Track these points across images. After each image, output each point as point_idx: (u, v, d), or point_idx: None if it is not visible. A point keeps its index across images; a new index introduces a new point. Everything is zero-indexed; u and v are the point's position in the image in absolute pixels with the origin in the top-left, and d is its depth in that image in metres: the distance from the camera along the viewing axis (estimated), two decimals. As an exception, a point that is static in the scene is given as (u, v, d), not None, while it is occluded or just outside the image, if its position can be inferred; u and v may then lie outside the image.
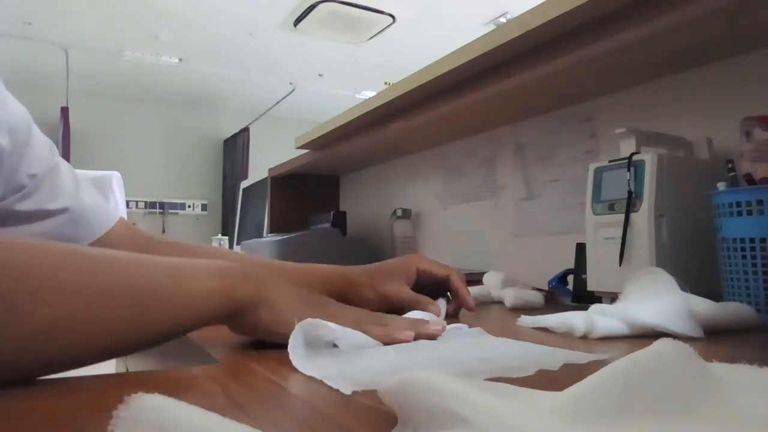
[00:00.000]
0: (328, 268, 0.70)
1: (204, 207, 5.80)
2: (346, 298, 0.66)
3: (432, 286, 0.70)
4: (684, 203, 0.71)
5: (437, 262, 0.72)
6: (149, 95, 5.42)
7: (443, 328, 0.50)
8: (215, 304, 0.40)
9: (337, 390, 0.31)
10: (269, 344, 0.44)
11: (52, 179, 0.61)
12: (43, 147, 0.61)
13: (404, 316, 0.56)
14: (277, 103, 5.45)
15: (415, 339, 0.47)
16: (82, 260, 0.35)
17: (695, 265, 0.70)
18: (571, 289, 0.88)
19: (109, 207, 0.70)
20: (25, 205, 0.58)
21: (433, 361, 0.41)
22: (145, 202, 5.45)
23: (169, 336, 0.38)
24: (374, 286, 0.68)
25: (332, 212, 1.71)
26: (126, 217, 0.78)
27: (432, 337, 0.48)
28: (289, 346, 0.38)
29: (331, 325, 0.41)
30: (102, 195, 1.75)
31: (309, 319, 0.40)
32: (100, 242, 0.64)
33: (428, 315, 0.59)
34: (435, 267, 0.71)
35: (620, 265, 0.70)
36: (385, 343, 0.45)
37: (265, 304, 0.43)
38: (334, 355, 0.41)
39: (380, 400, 0.26)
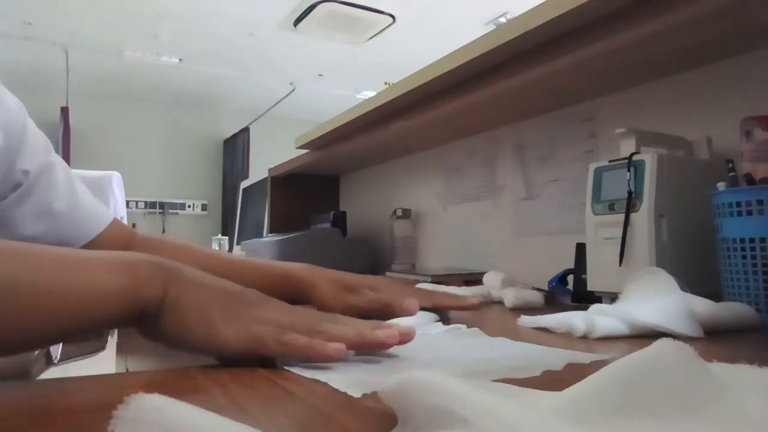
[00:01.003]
0: (281, 266, 0.65)
1: (204, 207, 5.80)
2: (302, 300, 0.62)
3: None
4: (684, 203, 0.71)
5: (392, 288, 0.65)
6: (149, 95, 5.42)
7: (403, 336, 0.40)
8: (117, 305, 0.35)
9: (336, 390, 0.31)
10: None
11: (47, 179, 0.60)
12: (37, 143, 0.60)
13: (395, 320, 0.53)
14: (277, 103, 5.45)
15: (357, 349, 0.40)
16: None
17: (695, 265, 0.70)
18: (571, 289, 0.88)
19: (104, 207, 0.70)
20: (21, 208, 0.58)
21: (435, 362, 0.40)
22: (145, 202, 5.45)
23: (62, 337, 0.35)
24: (330, 277, 0.63)
25: (332, 212, 1.71)
26: (126, 218, 0.78)
27: (384, 346, 0.40)
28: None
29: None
30: (102, 195, 1.75)
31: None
32: (93, 244, 0.64)
33: (425, 317, 0.58)
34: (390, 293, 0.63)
35: (620, 265, 0.70)
36: (362, 347, 0.39)
37: (171, 307, 0.37)
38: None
39: (380, 400, 0.26)
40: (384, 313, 0.58)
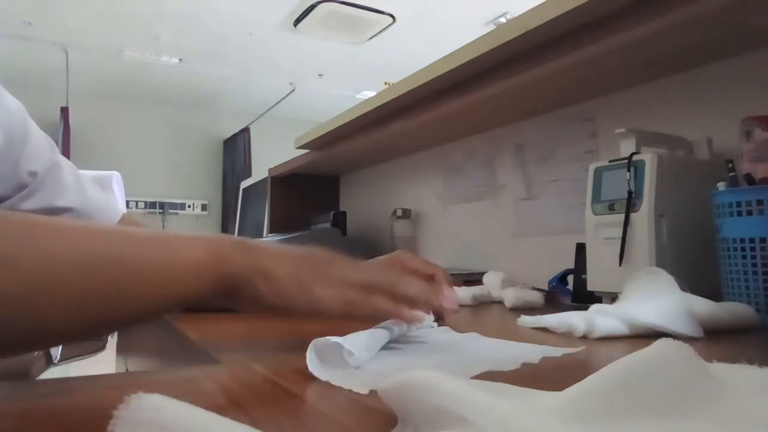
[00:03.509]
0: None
1: (204, 207, 5.80)
2: None
3: None
4: (684, 203, 0.71)
5: (424, 259, 0.70)
6: (149, 95, 5.42)
7: (456, 304, 0.49)
8: (203, 279, 0.37)
9: (338, 389, 0.31)
10: (268, 346, 0.43)
11: (54, 177, 0.61)
12: (42, 144, 0.61)
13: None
14: (277, 103, 5.45)
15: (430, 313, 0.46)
16: (43, 231, 0.32)
17: (695, 265, 0.70)
18: (571, 289, 0.88)
19: (113, 203, 0.70)
20: (29, 204, 0.58)
21: (413, 358, 0.41)
22: (145, 202, 5.45)
23: (154, 312, 0.36)
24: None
25: (332, 212, 1.71)
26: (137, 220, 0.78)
27: (450, 311, 0.48)
28: (307, 359, 0.36)
29: (340, 341, 0.37)
30: (102, 195, 1.75)
31: (320, 339, 0.37)
32: None
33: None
34: (421, 264, 0.68)
35: (620, 265, 0.70)
36: (429, 309, 0.45)
37: (263, 276, 0.39)
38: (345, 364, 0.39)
39: (380, 399, 0.26)
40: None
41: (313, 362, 0.35)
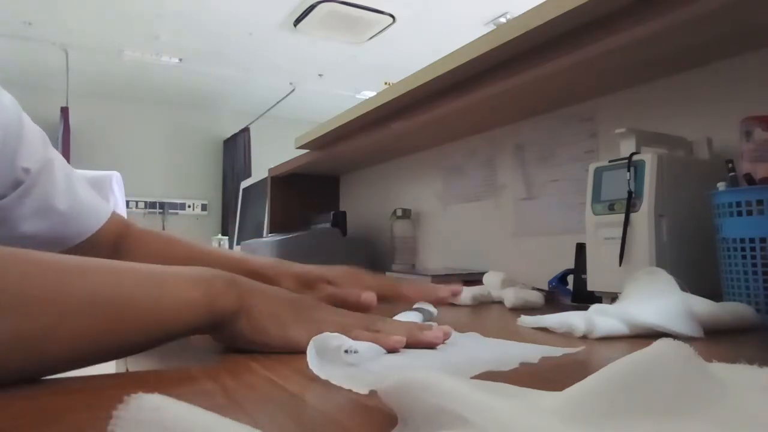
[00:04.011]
0: (251, 261, 0.68)
1: (204, 207, 5.81)
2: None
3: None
4: (684, 203, 0.71)
5: (381, 277, 0.69)
6: (149, 95, 5.43)
7: (445, 335, 0.45)
8: (196, 316, 0.39)
9: (338, 389, 0.31)
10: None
11: (47, 177, 0.60)
12: (36, 139, 0.60)
13: (395, 317, 0.54)
14: (277, 103, 5.45)
15: (409, 346, 0.43)
16: (52, 271, 0.33)
17: (695, 265, 0.70)
18: (571, 289, 0.88)
19: (102, 201, 0.70)
20: (22, 206, 0.58)
21: (412, 359, 0.41)
22: (145, 202, 5.46)
23: (147, 347, 0.38)
24: (292, 272, 0.65)
25: (332, 212, 1.71)
26: (126, 218, 0.78)
27: (431, 345, 0.44)
28: (307, 357, 0.36)
29: (344, 338, 0.39)
30: (102, 195, 1.75)
31: (324, 334, 0.38)
32: (92, 238, 0.64)
33: (416, 316, 0.58)
34: (378, 283, 0.68)
35: (620, 265, 0.70)
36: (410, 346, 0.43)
37: (245, 314, 0.41)
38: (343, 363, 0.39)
39: (380, 399, 0.26)
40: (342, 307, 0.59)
41: (313, 359, 0.35)
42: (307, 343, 0.38)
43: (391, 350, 0.41)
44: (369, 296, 0.60)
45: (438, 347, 0.45)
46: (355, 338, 0.40)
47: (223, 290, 0.40)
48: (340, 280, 0.66)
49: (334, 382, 0.32)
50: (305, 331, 0.41)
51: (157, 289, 0.37)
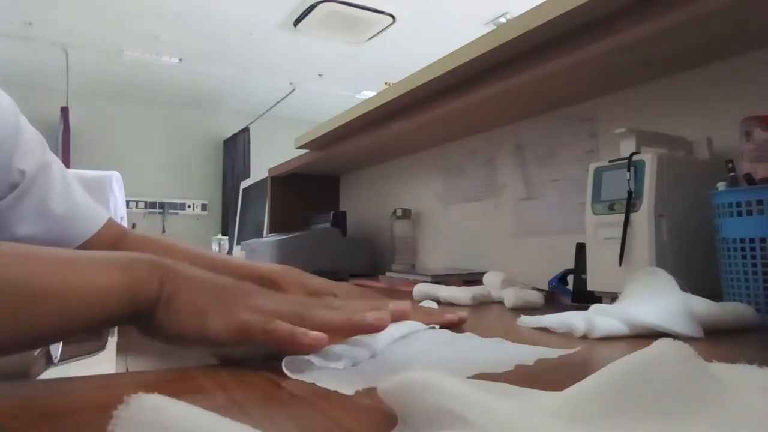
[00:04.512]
0: (257, 267, 0.66)
1: (204, 207, 5.80)
2: None
3: None
4: (684, 203, 0.71)
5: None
6: (149, 95, 5.42)
7: (397, 313, 0.41)
8: (116, 304, 0.35)
9: (333, 390, 0.31)
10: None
11: (43, 180, 0.60)
12: (33, 142, 0.60)
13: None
14: (277, 103, 5.45)
15: (350, 333, 0.39)
16: None
17: (695, 265, 0.70)
18: (571, 289, 0.88)
19: (98, 206, 0.70)
20: (18, 209, 0.58)
21: (408, 360, 0.41)
22: (145, 202, 5.45)
23: (62, 336, 0.35)
24: (301, 281, 0.63)
25: (332, 212, 1.71)
26: (126, 218, 0.78)
27: (373, 329, 0.38)
28: (284, 370, 0.35)
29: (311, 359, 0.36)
30: (102, 195, 1.75)
31: (290, 358, 0.36)
32: (87, 243, 0.64)
33: (413, 325, 0.55)
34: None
35: (620, 265, 0.70)
36: (351, 331, 0.39)
37: (166, 302, 0.37)
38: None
39: (380, 400, 0.26)
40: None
41: (291, 371, 0.35)
42: (227, 335, 0.36)
43: (308, 349, 0.36)
44: (379, 317, 0.58)
45: (432, 348, 0.44)
46: (272, 329, 0.36)
47: (146, 275, 0.36)
48: (349, 296, 0.64)
49: (320, 384, 0.32)
50: (223, 322, 0.37)
51: (68, 274, 0.34)
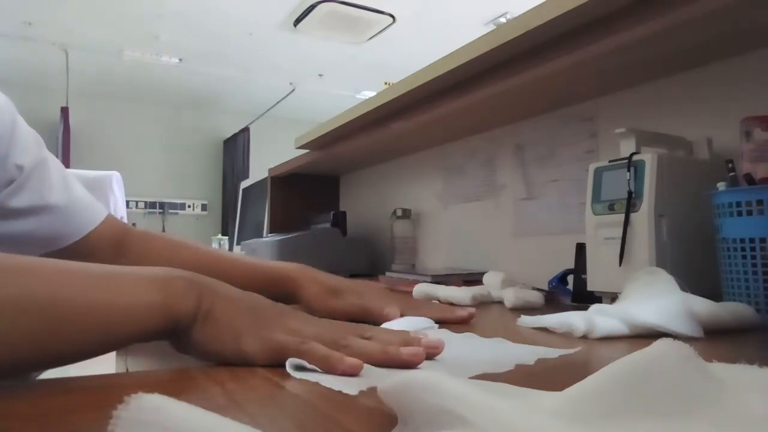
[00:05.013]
0: (271, 265, 0.66)
1: (204, 207, 5.81)
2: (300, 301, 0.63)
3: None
4: (684, 203, 0.71)
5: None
6: (149, 95, 5.43)
7: (428, 349, 0.40)
8: (152, 320, 0.36)
9: (338, 390, 0.31)
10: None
11: (40, 174, 0.60)
12: (29, 139, 0.60)
13: (383, 325, 0.52)
14: (277, 103, 5.45)
15: (381, 365, 0.37)
16: None
17: (695, 265, 0.70)
18: (571, 289, 0.88)
19: (97, 203, 0.69)
20: (16, 201, 0.58)
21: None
22: (145, 202, 5.46)
23: (99, 352, 0.35)
24: (318, 279, 0.64)
25: (332, 212, 1.71)
26: (126, 218, 0.78)
27: (408, 365, 0.37)
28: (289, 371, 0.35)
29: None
30: (102, 195, 1.75)
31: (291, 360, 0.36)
32: (87, 239, 0.64)
33: (417, 321, 0.56)
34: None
35: (620, 265, 0.70)
36: (385, 363, 0.37)
37: (203, 321, 0.38)
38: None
39: (380, 400, 0.26)
40: (364, 318, 0.58)
41: (294, 371, 0.35)
42: (261, 358, 0.37)
43: (342, 374, 0.35)
44: (392, 310, 0.58)
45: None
46: (307, 350, 0.36)
47: (183, 292, 0.37)
48: (367, 292, 0.64)
49: (324, 384, 0.32)
50: (259, 343, 0.37)
51: (105, 292, 0.34)
